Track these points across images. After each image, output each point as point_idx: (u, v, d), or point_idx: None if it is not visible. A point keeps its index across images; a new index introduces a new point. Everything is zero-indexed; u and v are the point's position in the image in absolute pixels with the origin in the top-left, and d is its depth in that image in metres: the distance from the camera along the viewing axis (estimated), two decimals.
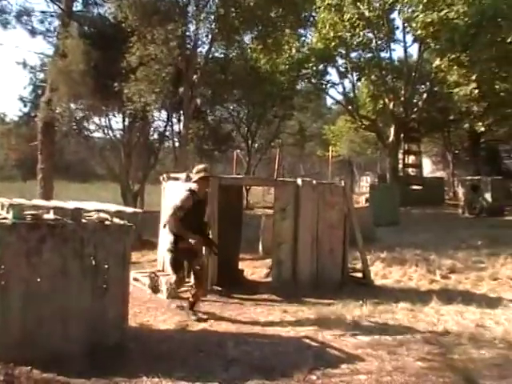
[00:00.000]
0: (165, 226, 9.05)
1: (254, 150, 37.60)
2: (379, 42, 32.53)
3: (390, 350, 7.36)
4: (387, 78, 33.43)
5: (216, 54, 23.88)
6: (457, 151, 42.65)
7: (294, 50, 30.40)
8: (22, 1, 47.68)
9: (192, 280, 10.74)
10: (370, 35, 31.84)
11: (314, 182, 12.00)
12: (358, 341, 7.81)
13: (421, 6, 25.25)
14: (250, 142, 36.27)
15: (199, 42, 21.18)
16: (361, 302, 9.88)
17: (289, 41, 28.56)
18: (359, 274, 12.65)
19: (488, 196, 27.43)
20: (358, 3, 29.55)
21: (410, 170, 38.63)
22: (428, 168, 47.45)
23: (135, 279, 10.92)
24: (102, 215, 6.87)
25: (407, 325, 8.72)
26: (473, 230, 21.68)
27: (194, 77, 21.00)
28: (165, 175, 12.77)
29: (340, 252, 11.94)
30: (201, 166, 9.15)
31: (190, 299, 8.96)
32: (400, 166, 36.15)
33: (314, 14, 28.59)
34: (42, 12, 26.51)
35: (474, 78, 22.97)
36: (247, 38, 24.10)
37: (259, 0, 19.47)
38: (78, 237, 6.36)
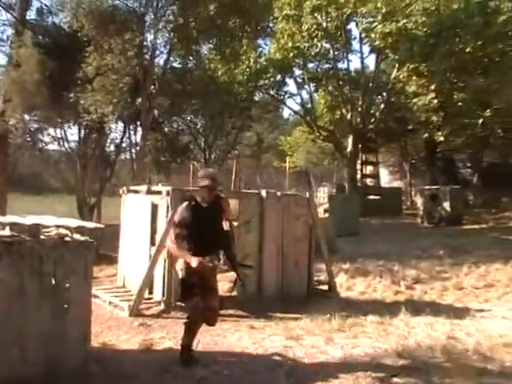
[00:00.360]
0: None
1: (212, 161, 37.28)
2: (336, 53, 32.58)
3: (363, 366, 7.13)
4: (345, 89, 33.47)
5: (174, 64, 23.63)
6: (413, 161, 42.98)
7: (251, 61, 30.21)
8: None
9: (155, 296, 10.45)
10: (328, 46, 31.89)
11: (279, 193, 11.76)
12: (331, 357, 7.56)
13: (379, 17, 25.38)
14: (207, 153, 35.94)
15: (157, 52, 20.97)
16: (329, 315, 9.64)
17: (247, 51, 28.43)
18: (324, 287, 12.46)
19: (447, 205, 27.58)
20: (316, 14, 29.51)
21: (368, 181, 38.79)
22: (385, 178, 47.77)
23: (95, 296, 10.50)
24: (62, 231, 6.47)
25: (378, 338, 8.51)
26: (433, 239, 21.76)
27: (152, 87, 20.68)
28: (124, 188, 12.37)
29: (305, 264, 11.73)
30: (208, 172, 7.27)
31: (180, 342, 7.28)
32: (358, 176, 36.19)
33: (272, 24, 28.56)
34: None
35: (432, 87, 23.13)
36: (205, 48, 23.92)
37: (218, 9, 19.25)
38: (36, 254, 5.95)
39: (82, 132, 21.29)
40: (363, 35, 30.49)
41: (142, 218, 11.11)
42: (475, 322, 9.70)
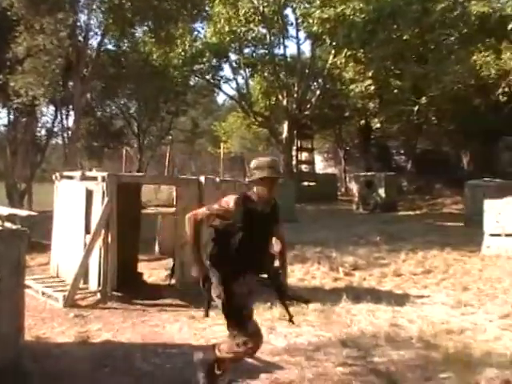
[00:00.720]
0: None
1: (145, 147, 36.69)
2: (273, 38, 32.39)
3: (307, 356, 7.00)
4: (281, 75, 33.32)
5: (108, 47, 23.03)
6: (348, 148, 43.33)
7: (187, 44, 29.74)
8: None
9: (90, 286, 10.04)
10: (264, 31, 31.67)
11: (218, 179, 11.50)
12: (274, 347, 7.38)
13: (318, 2, 25.29)
14: (141, 138, 35.33)
15: (91, 33, 20.32)
16: (269, 303, 9.46)
17: (183, 34, 27.97)
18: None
19: (382, 192, 27.86)
20: None
21: (304, 167, 38.87)
22: (319, 165, 47.99)
23: (27, 286, 10.03)
24: None
25: (321, 327, 8.39)
26: (369, 225, 21.90)
27: (85, 70, 20.05)
28: (57, 174, 11.87)
29: None
30: (266, 159, 5.27)
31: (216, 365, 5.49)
32: (293, 162, 36.18)
33: (208, 8, 28.13)
34: None
35: (369, 74, 23.20)
36: (140, 31, 23.37)
37: None
38: None
39: (12, 116, 20.50)
40: (300, 21, 30.35)
41: (76, 204, 10.67)
42: (416, 309, 9.70)
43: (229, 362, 5.44)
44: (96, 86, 24.73)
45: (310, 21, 25.77)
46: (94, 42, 21.20)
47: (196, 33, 31.09)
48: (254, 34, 31.57)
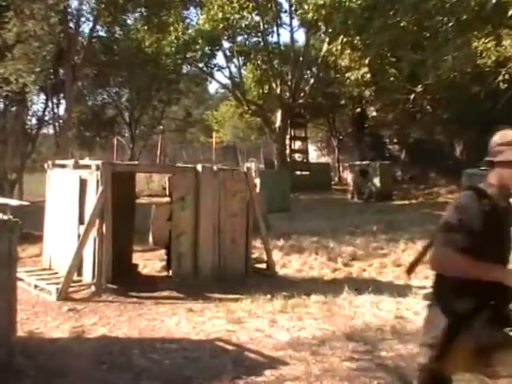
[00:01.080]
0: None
1: (137, 136, 36.26)
2: (266, 26, 31.97)
3: (312, 351, 6.74)
4: (274, 63, 32.93)
5: (100, 33, 22.61)
6: (341, 137, 43.00)
7: (180, 32, 29.32)
8: None
9: (84, 279, 9.74)
10: (258, 18, 31.25)
11: (215, 167, 11.20)
12: (277, 341, 7.13)
13: None
14: (133, 127, 34.91)
15: (82, 19, 19.87)
16: (269, 295, 9.22)
17: (175, 22, 27.58)
18: (262, 265, 12.03)
19: (376, 181, 27.65)
20: None
21: (297, 156, 38.54)
22: (313, 154, 47.68)
23: (19, 279, 9.73)
24: None
25: (324, 320, 8.13)
26: (364, 214, 21.72)
27: (77, 57, 19.64)
28: (49, 162, 11.52)
29: (243, 242, 11.26)
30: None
31: None
32: (287, 151, 35.84)
33: None
34: None
35: (366, 62, 22.85)
36: (132, 18, 22.99)
37: None
38: None
39: (1, 104, 20.07)
40: (294, 8, 29.98)
41: (69, 194, 10.35)
42: (419, 300, 9.43)
43: None
44: (88, 73, 24.31)
45: (306, 7, 25.39)
46: (85, 28, 20.83)
47: (188, 20, 30.70)
48: (247, 22, 31.15)
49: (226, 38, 32.39)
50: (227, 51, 33.91)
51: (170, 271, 10.82)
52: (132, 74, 27.11)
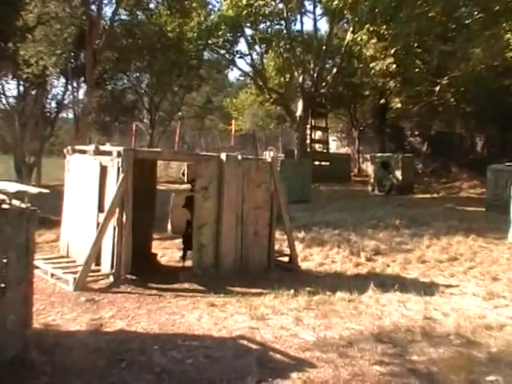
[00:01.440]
0: None
1: (156, 122, 36.01)
2: (289, 14, 31.51)
3: (340, 352, 6.46)
4: (297, 51, 32.48)
5: (123, 17, 22.30)
6: (362, 128, 42.45)
7: (202, 17, 28.96)
8: None
9: (103, 268, 9.49)
10: (281, 6, 30.79)
11: (240, 156, 10.87)
12: (303, 340, 6.85)
13: None
14: (153, 113, 34.66)
15: (105, 1, 19.60)
16: (293, 291, 8.93)
17: (197, 7, 27.26)
18: (284, 258, 11.72)
19: (398, 174, 27.18)
20: None
21: (317, 146, 38.10)
22: (333, 144, 47.23)
23: (35, 267, 9.51)
24: None
25: (350, 318, 7.84)
26: (386, 208, 21.29)
27: (98, 40, 19.35)
28: (69, 147, 11.26)
29: (266, 234, 10.93)
30: None
31: None
32: (307, 141, 35.42)
33: None
34: None
35: (392, 52, 22.38)
36: (155, 2, 22.67)
37: None
38: None
39: (21, 87, 19.87)
40: None
41: (89, 181, 10.09)
42: (447, 300, 9.19)
43: None
44: (109, 57, 24.01)
45: None
46: (108, 11, 20.60)
47: (211, 6, 30.34)
48: (270, 9, 30.69)
49: (248, 24, 31.93)
50: (249, 38, 33.50)
51: (186, 262, 10.59)
52: (153, 58, 26.79)
